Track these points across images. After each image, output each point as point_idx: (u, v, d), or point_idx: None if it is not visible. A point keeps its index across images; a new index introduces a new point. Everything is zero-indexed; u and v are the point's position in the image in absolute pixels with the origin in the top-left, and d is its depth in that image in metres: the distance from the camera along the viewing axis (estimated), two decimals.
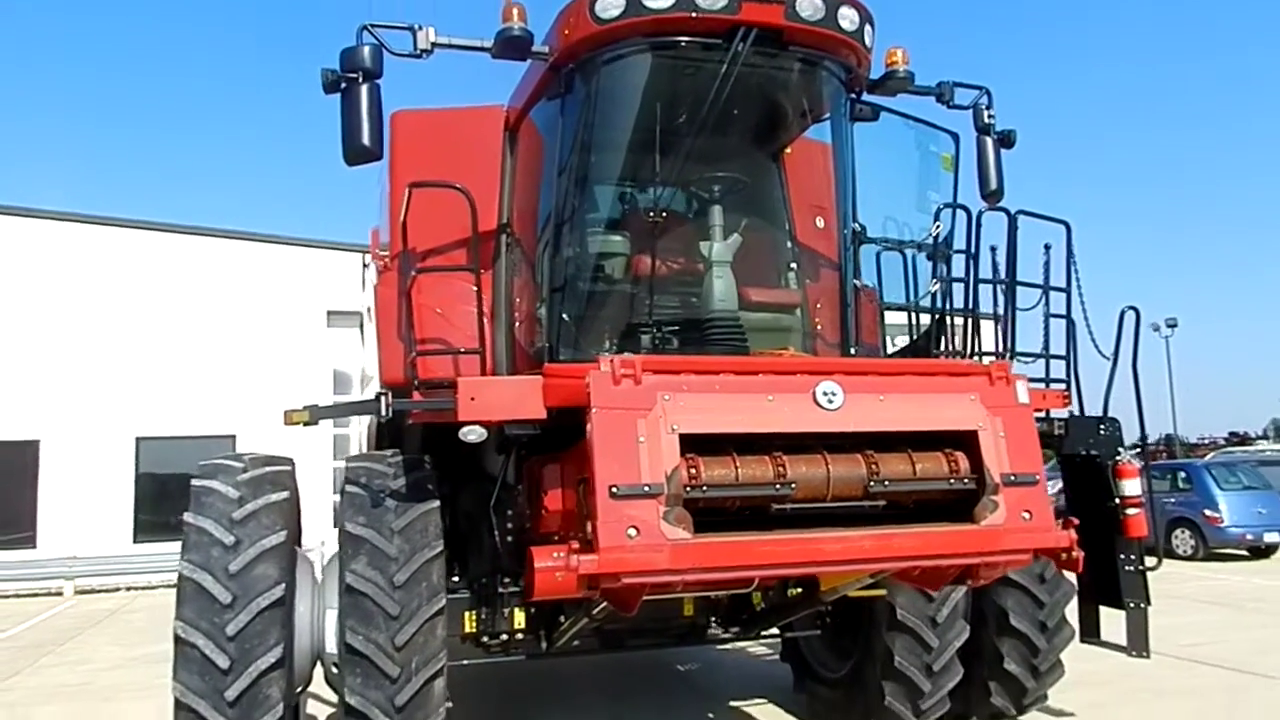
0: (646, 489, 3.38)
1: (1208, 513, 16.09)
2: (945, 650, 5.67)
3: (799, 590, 5.66)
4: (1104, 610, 6.30)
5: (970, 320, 5.33)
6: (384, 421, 4.61)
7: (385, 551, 4.74)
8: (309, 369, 18.41)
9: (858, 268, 5.24)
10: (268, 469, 5.14)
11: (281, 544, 4.76)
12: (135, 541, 17.37)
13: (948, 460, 3.84)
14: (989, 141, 5.55)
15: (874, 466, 3.73)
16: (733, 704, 7.15)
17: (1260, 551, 16.51)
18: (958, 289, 5.43)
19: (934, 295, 5.30)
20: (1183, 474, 17.25)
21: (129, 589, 16.39)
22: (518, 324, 5.33)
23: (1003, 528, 3.76)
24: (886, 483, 3.73)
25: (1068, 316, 5.68)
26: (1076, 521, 3.96)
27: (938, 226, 5.28)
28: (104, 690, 8.26)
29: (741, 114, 4.91)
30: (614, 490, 3.36)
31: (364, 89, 4.37)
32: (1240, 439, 46.41)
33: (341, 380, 18.96)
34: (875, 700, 5.81)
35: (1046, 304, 5.79)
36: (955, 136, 5.63)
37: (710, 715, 6.93)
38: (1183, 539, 16.47)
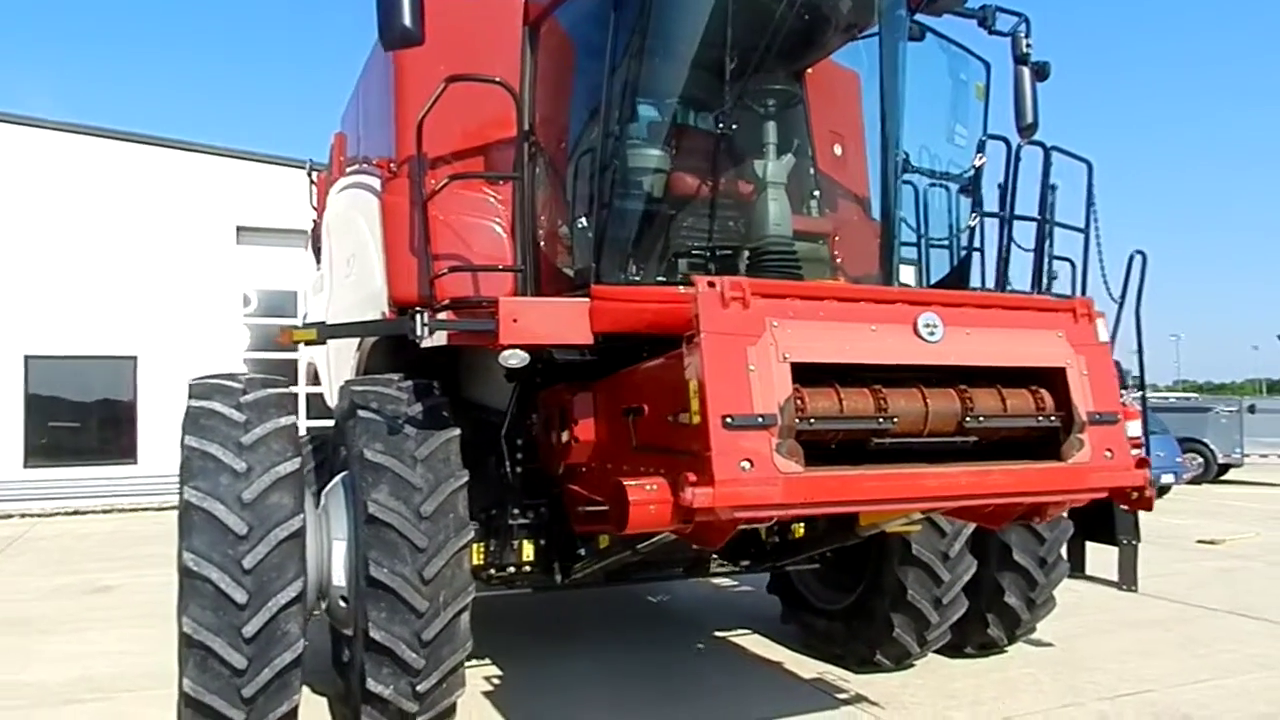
0: (760, 420, 3.18)
1: None
2: (955, 584, 5.74)
3: (802, 527, 5.63)
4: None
5: (1003, 256, 5.25)
6: (419, 343, 4.23)
7: (409, 481, 4.44)
8: (217, 287, 17.33)
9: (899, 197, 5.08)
10: (269, 391, 4.70)
11: (295, 471, 4.38)
12: (26, 467, 16.16)
13: (1034, 397, 3.76)
14: (1026, 72, 5.42)
15: (968, 402, 3.62)
16: (719, 634, 7.12)
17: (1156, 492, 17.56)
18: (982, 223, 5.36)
19: (971, 230, 5.20)
20: None
21: (23, 516, 15.29)
22: (542, 241, 4.97)
23: (1088, 466, 3.73)
24: (981, 419, 3.62)
25: (1084, 258, 5.66)
26: (1150, 460, 3.96)
27: (981, 158, 5.15)
28: (41, 622, 7.61)
29: (806, 22, 4.61)
30: (728, 420, 3.14)
31: None
32: None
33: (250, 302, 17.95)
34: (882, 631, 5.87)
35: (1051, 244, 5.76)
36: (987, 65, 5.49)
37: (700, 645, 6.88)
38: None
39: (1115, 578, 6.48)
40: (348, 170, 6.77)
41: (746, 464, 3.13)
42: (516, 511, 5.30)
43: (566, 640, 7.04)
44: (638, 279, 4.41)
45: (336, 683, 5.23)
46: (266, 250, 17.83)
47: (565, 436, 4.80)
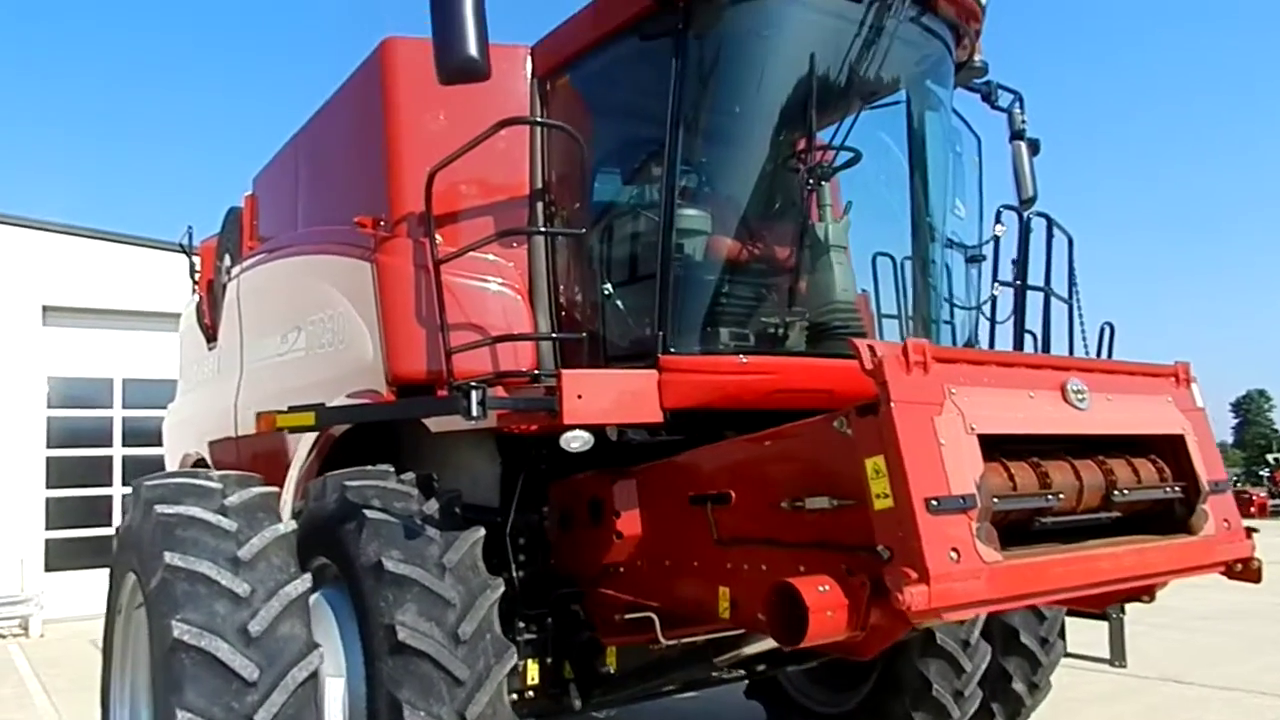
0: (962, 501, 2.77)
1: None
2: (975, 674, 5.43)
3: None
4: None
5: (1020, 326, 5.15)
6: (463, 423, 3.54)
7: (440, 595, 3.69)
8: (19, 374, 15.09)
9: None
10: (255, 490, 3.84)
11: (305, 593, 3.53)
12: None
13: (1154, 466, 3.58)
14: (1023, 146, 5.50)
15: (1110, 474, 3.37)
16: None
17: None
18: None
19: (993, 300, 5.08)
20: None
21: None
22: (563, 310, 4.42)
23: (1215, 538, 3.57)
24: (1125, 491, 3.38)
25: (1070, 328, 5.66)
26: (1257, 528, 3.85)
27: (1001, 228, 5.08)
28: None
29: (861, 80, 4.37)
30: (932, 504, 2.71)
31: None
32: None
33: (61, 390, 15.76)
34: None
35: (1017, 308, 5.75)
36: (979, 139, 5.52)
37: None
38: None
39: (1092, 653, 6.42)
40: (269, 236, 5.98)
41: (954, 554, 2.71)
42: (521, 625, 4.55)
43: None
44: (708, 349, 3.95)
45: None
46: (79, 333, 15.83)
47: (600, 532, 4.22)
